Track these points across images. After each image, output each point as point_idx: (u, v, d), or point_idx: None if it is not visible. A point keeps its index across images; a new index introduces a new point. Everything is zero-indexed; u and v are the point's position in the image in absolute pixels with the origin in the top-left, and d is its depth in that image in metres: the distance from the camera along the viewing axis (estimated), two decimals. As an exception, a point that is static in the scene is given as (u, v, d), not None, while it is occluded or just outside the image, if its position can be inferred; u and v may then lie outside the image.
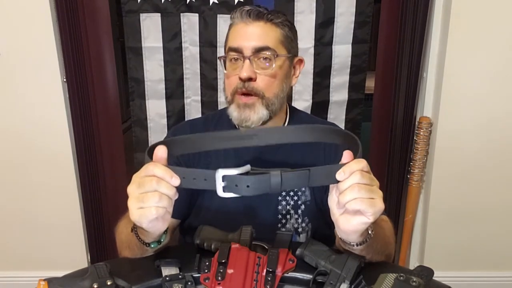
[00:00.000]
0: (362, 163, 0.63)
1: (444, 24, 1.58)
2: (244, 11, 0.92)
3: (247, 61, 0.90)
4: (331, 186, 0.67)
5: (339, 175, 0.62)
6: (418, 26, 1.56)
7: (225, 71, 0.95)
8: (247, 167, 0.62)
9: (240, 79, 0.90)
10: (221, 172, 0.61)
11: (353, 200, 0.62)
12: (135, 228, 0.76)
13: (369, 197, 0.62)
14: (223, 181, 0.61)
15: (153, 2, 1.59)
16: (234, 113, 0.93)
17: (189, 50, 1.66)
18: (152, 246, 0.77)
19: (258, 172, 0.62)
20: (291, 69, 0.98)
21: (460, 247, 1.79)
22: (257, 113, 0.91)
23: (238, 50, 0.91)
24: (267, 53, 0.91)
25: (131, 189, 0.64)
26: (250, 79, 0.90)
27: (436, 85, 1.66)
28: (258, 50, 0.90)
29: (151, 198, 0.62)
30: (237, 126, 1.02)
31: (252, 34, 0.91)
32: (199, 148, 0.74)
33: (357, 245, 0.73)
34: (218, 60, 1.63)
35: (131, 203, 0.64)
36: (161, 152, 0.65)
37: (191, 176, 0.63)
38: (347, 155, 0.64)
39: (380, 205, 0.63)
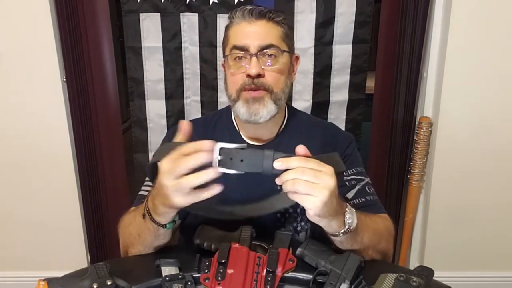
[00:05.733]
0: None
1: (444, 24, 1.58)
2: (246, 11, 0.93)
3: (254, 58, 0.91)
4: None
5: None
6: (418, 26, 1.56)
7: (231, 70, 0.95)
8: (244, 145, 0.67)
9: (249, 75, 0.91)
10: (219, 145, 0.65)
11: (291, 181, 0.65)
12: (149, 213, 0.77)
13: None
14: (219, 154, 0.65)
15: (153, 2, 1.59)
16: (242, 109, 0.93)
17: (189, 50, 1.66)
18: (168, 226, 0.79)
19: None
20: (291, 66, 1.00)
21: (460, 247, 1.78)
22: (267, 107, 0.92)
23: (243, 48, 0.92)
24: (273, 50, 0.92)
25: (167, 166, 0.66)
26: (259, 76, 0.91)
27: (436, 85, 1.66)
28: (263, 48, 0.92)
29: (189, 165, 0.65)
30: (237, 128, 1.02)
31: (256, 32, 0.93)
32: None
33: (335, 235, 0.75)
34: (219, 61, 1.62)
35: (167, 178, 0.66)
36: (185, 125, 0.71)
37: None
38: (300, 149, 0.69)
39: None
